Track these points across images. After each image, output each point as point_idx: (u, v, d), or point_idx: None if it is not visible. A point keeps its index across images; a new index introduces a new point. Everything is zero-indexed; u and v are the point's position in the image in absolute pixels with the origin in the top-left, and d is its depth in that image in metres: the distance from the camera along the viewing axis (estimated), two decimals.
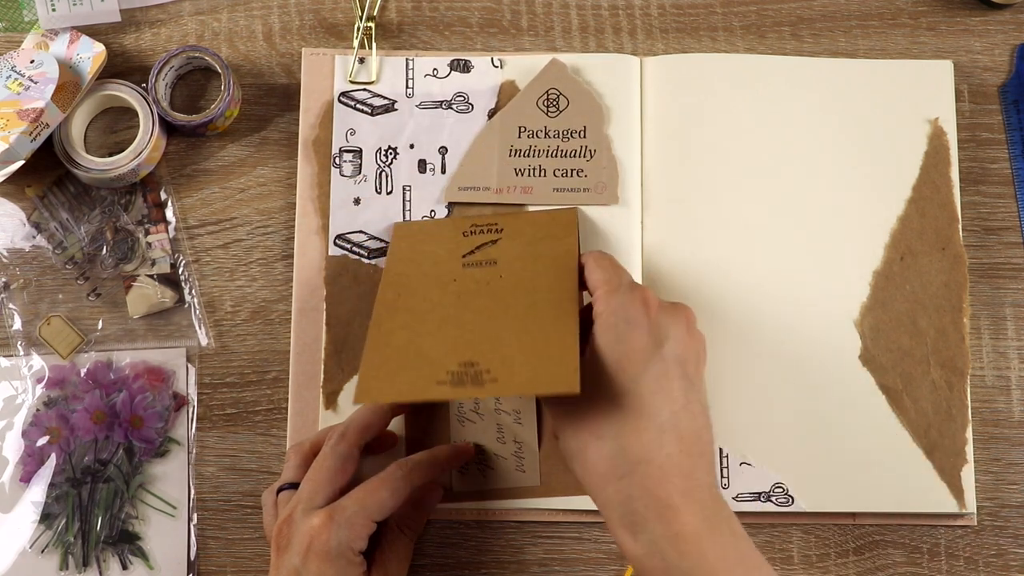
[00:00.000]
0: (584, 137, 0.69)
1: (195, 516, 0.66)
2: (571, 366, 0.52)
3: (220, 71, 0.68)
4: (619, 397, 0.51)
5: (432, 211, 0.68)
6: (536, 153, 0.69)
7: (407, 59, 0.70)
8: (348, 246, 0.68)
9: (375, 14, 0.71)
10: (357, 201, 0.68)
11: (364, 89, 0.70)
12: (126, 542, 0.65)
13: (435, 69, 0.70)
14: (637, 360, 0.51)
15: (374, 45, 0.70)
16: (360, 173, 0.69)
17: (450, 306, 0.59)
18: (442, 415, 0.66)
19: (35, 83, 0.65)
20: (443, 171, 0.69)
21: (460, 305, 0.59)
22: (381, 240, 0.68)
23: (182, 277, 0.68)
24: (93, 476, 0.66)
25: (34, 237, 0.68)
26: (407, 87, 0.70)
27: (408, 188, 0.69)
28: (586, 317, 0.56)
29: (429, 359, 0.55)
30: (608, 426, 0.51)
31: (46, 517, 0.65)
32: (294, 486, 0.60)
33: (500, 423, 0.65)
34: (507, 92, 0.70)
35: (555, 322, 0.55)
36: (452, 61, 0.70)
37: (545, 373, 0.52)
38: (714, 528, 0.50)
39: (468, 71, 0.70)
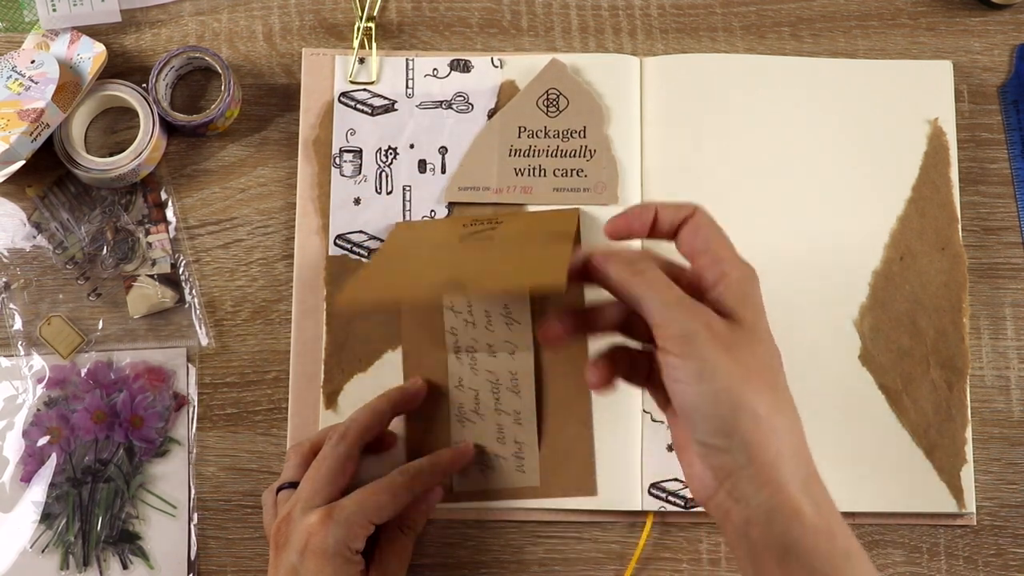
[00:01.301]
0: (584, 137, 0.69)
1: (195, 516, 0.66)
2: (560, 265, 0.51)
3: (220, 71, 0.68)
4: (770, 372, 0.50)
5: (432, 211, 0.68)
6: (536, 153, 0.69)
7: (407, 59, 0.70)
8: (348, 246, 0.68)
9: (375, 14, 0.71)
10: (357, 201, 0.68)
11: (364, 89, 0.70)
12: (126, 542, 0.65)
13: (435, 69, 0.70)
14: (771, 336, 0.51)
15: (374, 45, 0.70)
16: (360, 173, 0.69)
17: (449, 251, 0.61)
18: (442, 416, 0.66)
19: (36, 83, 0.66)
20: (443, 171, 0.69)
21: (458, 251, 0.61)
22: (381, 240, 0.68)
23: (182, 277, 0.68)
24: (93, 476, 0.66)
25: (35, 237, 0.69)
26: (407, 87, 0.70)
27: (408, 188, 0.69)
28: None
29: (420, 278, 0.58)
30: (758, 387, 0.49)
31: (47, 517, 0.65)
32: (294, 485, 0.60)
33: (500, 423, 0.65)
34: (507, 92, 0.70)
35: (551, 245, 0.56)
36: (452, 61, 0.70)
37: (532, 271, 0.53)
38: (822, 518, 0.49)
39: (468, 71, 0.70)
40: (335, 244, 0.68)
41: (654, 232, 0.53)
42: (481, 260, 0.59)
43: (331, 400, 0.66)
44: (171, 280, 0.68)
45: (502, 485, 0.65)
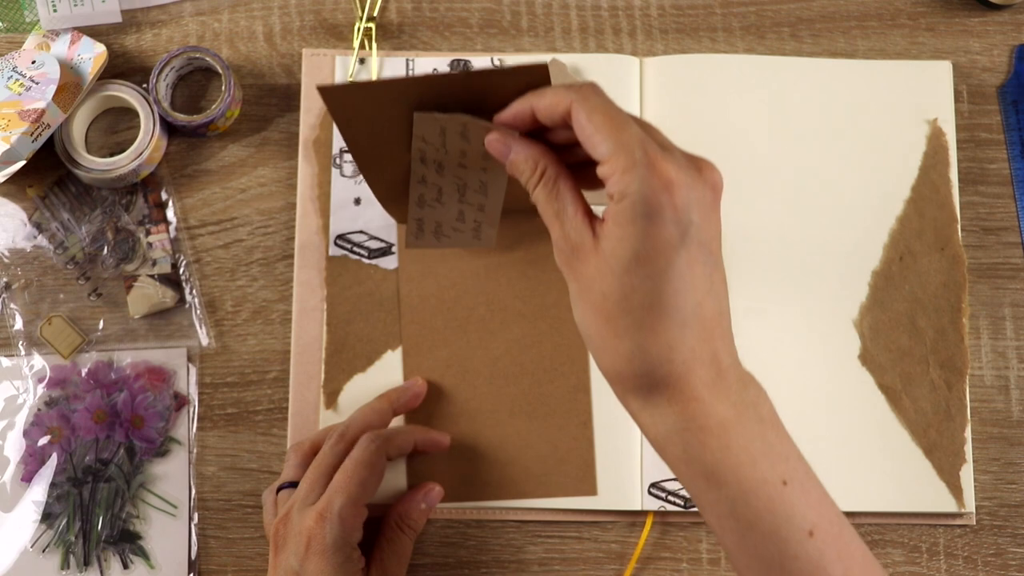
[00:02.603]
0: None
1: (196, 515, 0.66)
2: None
3: (221, 72, 0.68)
4: (638, 294, 0.46)
5: None
6: None
7: (407, 59, 0.70)
8: (348, 246, 0.68)
9: (375, 15, 0.72)
10: (358, 201, 0.68)
11: None
12: (127, 541, 0.65)
13: (435, 69, 0.70)
14: (660, 256, 0.45)
15: (374, 46, 0.71)
16: (360, 173, 0.69)
17: None
18: (442, 413, 0.66)
19: (36, 83, 0.66)
20: None
21: None
22: (381, 240, 0.68)
23: (183, 277, 0.68)
24: (94, 475, 0.66)
25: (35, 237, 0.69)
26: None
27: None
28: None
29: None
30: (626, 325, 0.46)
31: (47, 516, 0.65)
32: (294, 485, 0.60)
33: (462, 210, 0.60)
34: None
35: None
36: (452, 61, 0.70)
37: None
38: (741, 416, 0.47)
39: None
40: (335, 244, 0.68)
41: (541, 128, 0.50)
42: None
43: (331, 400, 0.66)
44: (171, 280, 0.68)
45: (455, 246, 0.61)
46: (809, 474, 0.48)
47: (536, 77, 0.51)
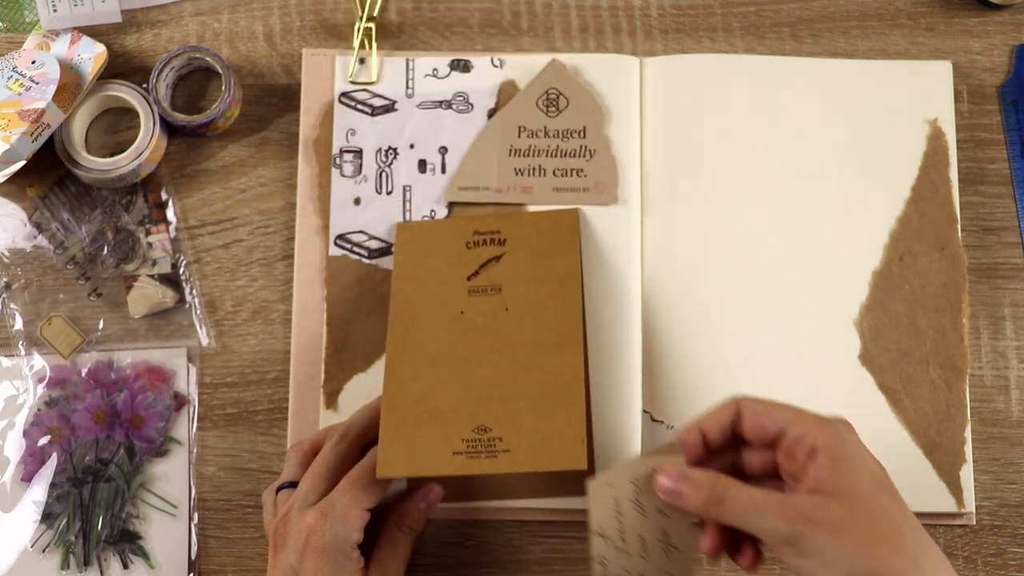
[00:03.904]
0: (584, 137, 0.69)
1: (196, 515, 0.66)
2: (578, 440, 0.57)
3: (221, 72, 0.68)
4: (875, 522, 0.48)
5: (432, 211, 0.68)
6: (536, 153, 0.69)
7: (407, 59, 0.70)
8: (348, 246, 0.68)
9: (375, 14, 0.72)
10: (357, 201, 0.69)
11: (364, 89, 0.70)
12: (127, 541, 0.65)
13: (435, 69, 0.70)
14: (882, 485, 0.50)
15: (374, 45, 0.71)
16: (360, 173, 0.69)
17: (459, 345, 0.62)
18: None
19: (36, 83, 0.66)
20: (443, 171, 0.69)
21: (468, 344, 0.62)
22: (381, 240, 0.68)
23: (183, 277, 0.68)
24: (94, 475, 0.66)
25: (35, 237, 0.69)
26: (407, 87, 0.70)
27: (408, 188, 0.69)
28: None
29: (444, 422, 0.60)
30: (911, 544, 0.49)
31: (47, 516, 0.65)
32: (294, 485, 0.60)
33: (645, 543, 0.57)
34: (507, 92, 0.70)
35: (563, 380, 0.60)
36: (452, 61, 0.70)
37: (555, 449, 0.58)
38: None
39: (468, 71, 0.70)
40: (335, 244, 0.68)
41: (711, 451, 0.54)
42: (497, 371, 0.61)
43: (331, 400, 0.66)
44: (171, 280, 0.68)
45: None
46: None
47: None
